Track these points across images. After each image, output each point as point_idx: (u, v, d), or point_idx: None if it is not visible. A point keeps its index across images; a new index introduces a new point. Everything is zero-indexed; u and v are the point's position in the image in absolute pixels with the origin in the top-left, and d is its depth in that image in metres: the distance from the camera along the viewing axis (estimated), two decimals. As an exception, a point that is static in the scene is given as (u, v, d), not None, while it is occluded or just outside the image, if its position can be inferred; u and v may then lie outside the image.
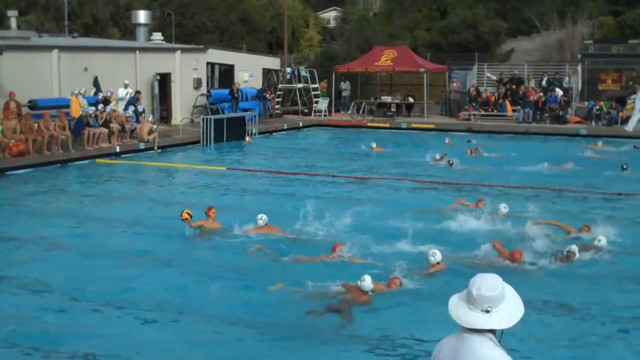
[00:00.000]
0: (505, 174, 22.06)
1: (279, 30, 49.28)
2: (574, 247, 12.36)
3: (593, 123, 35.08)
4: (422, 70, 38.22)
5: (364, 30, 52.62)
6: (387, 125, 36.08)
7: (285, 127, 35.28)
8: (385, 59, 38.88)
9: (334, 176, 21.90)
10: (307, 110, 39.65)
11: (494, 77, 40.10)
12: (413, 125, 35.56)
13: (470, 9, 49.61)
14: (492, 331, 4.12)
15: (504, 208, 15.56)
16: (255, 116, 32.15)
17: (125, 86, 29.28)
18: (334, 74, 39.80)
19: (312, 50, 52.79)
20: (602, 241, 13.03)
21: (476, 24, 47.59)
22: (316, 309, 10.12)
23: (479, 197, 16.88)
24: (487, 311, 4.07)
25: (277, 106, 39.18)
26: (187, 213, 13.84)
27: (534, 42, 50.10)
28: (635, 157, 25.72)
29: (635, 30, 45.21)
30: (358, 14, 59.21)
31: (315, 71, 40.93)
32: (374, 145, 27.75)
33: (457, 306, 4.17)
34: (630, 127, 33.13)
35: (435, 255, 11.72)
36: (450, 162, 23.41)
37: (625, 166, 22.61)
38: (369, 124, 36.38)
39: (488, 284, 4.11)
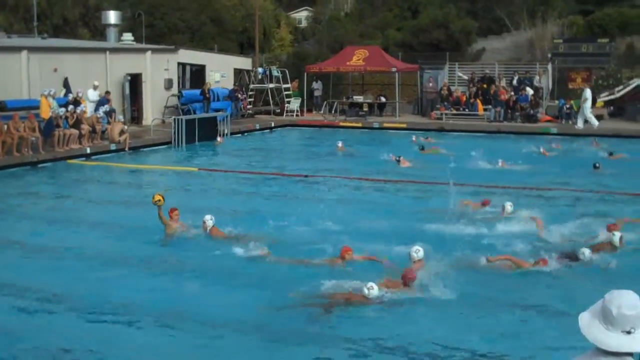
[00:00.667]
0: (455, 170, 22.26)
1: (251, 31, 49.14)
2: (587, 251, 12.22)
3: (563, 122, 35.32)
4: (393, 69, 38.30)
5: (335, 30, 52.70)
6: (360, 125, 36.11)
7: (257, 127, 35.19)
8: (357, 58, 38.93)
9: (306, 176, 21.88)
10: (279, 111, 39.60)
11: (465, 77, 40.27)
12: (385, 125, 35.61)
13: (442, 9, 49.82)
14: (630, 353, 3.70)
15: (510, 207, 15.52)
16: (227, 116, 32.03)
17: (95, 87, 29.01)
18: (305, 74, 39.76)
19: (283, 50, 52.70)
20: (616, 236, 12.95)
21: (447, 23, 47.80)
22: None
23: (485, 198, 16.73)
24: (629, 332, 3.65)
25: (249, 106, 39.07)
26: (159, 195, 13.77)
27: (505, 41, 50.37)
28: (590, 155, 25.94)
29: (604, 29, 45.61)
30: (329, 14, 59.26)
31: (287, 71, 40.88)
32: (340, 144, 27.76)
33: (591, 325, 3.74)
34: (582, 123, 33.90)
35: (419, 252, 11.58)
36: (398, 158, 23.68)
37: (597, 164, 22.76)
38: (341, 124, 36.38)
39: (629, 302, 3.67)
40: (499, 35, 51.21)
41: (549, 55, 40.27)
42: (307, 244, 13.16)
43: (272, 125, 36.31)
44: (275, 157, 27.04)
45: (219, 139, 29.97)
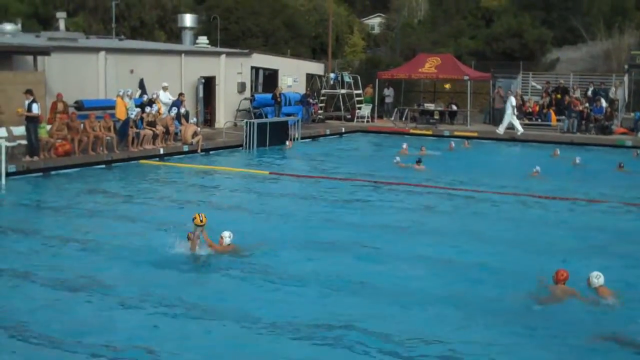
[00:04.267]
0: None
1: (324, 36, 49.41)
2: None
3: (639, 134, 34.65)
4: (465, 78, 38.04)
5: (408, 37, 52.59)
6: (430, 132, 35.97)
7: (328, 132, 35.34)
8: (429, 66, 38.78)
9: (375, 182, 21.93)
10: (349, 116, 39.68)
11: (539, 86, 39.81)
12: (456, 133, 35.38)
13: (516, 17, 49.27)
14: None
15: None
16: (297, 121, 32.27)
17: (164, 89, 29.32)
18: (377, 80, 39.78)
19: (356, 56, 52.85)
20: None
21: (521, 32, 47.28)
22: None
23: None
24: None
25: (319, 111, 39.26)
26: (200, 215, 12.94)
27: (580, 51, 49.60)
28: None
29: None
30: (402, 21, 59.15)
31: (358, 77, 40.99)
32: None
33: None
34: (501, 130, 34.93)
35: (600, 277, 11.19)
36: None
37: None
38: (412, 131, 36.28)
39: None
40: (574, 45, 50.43)
41: (626, 67, 39.57)
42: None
43: (343, 130, 36.41)
44: (344, 162, 27.07)
45: (288, 143, 30.18)
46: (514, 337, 9.76)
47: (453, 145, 30.83)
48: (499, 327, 10.10)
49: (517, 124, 34.95)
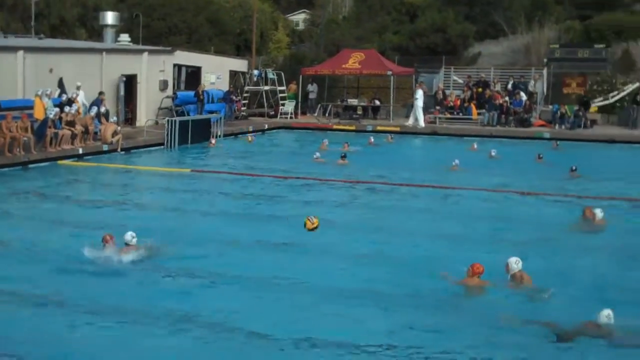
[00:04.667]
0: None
1: (248, 32, 49.19)
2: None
3: (557, 126, 35.41)
4: (389, 73, 38.37)
5: (332, 33, 52.69)
6: (353, 127, 36.20)
7: (251, 129, 35.29)
8: (353, 61, 39.03)
9: (297, 178, 21.99)
10: (273, 113, 39.68)
11: (461, 80, 40.37)
12: (379, 128, 35.68)
13: (440, 13, 49.77)
14: None
15: (599, 213, 15.70)
16: (220, 118, 32.15)
17: (77, 88, 28.78)
18: (301, 76, 39.84)
19: (280, 52, 52.76)
20: None
21: (445, 27, 47.77)
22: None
23: None
24: None
25: (243, 108, 39.17)
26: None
27: (501, 45, 50.30)
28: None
29: (601, 34, 45.58)
30: (327, 17, 59.24)
31: (282, 73, 40.99)
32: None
33: None
34: (413, 121, 36.05)
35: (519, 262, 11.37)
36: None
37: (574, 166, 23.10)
38: (335, 127, 36.47)
39: None
40: (495, 39, 51.14)
41: (545, 60, 40.38)
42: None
43: (266, 127, 36.42)
44: (266, 159, 27.09)
45: (212, 140, 30.06)
46: (430, 329, 9.87)
47: (372, 140, 31.09)
48: (414, 319, 10.23)
49: (420, 117, 35.78)
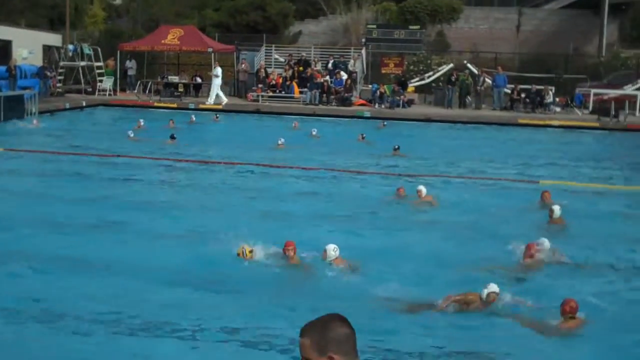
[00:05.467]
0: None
1: (62, 6, 47.18)
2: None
3: (376, 105, 36.09)
4: (209, 50, 37.83)
5: (150, 8, 51.43)
6: (175, 105, 35.44)
7: (68, 106, 33.86)
8: (172, 37, 38.16)
9: (118, 156, 21.21)
10: (90, 89, 38.27)
11: (282, 59, 40.39)
12: (201, 106, 35.14)
13: (259, -10, 49.62)
14: None
15: (421, 190, 15.87)
16: (34, 95, 30.61)
17: None
18: (119, 52, 38.60)
19: (96, 27, 50.95)
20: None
21: (264, 5, 47.68)
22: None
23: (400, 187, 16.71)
24: None
25: (58, 84, 37.52)
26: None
27: (321, 25, 50.87)
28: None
29: (416, 16, 46.85)
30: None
31: (99, 49, 39.51)
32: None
33: None
34: (215, 99, 35.77)
35: (337, 250, 11.24)
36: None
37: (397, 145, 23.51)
38: (156, 104, 35.60)
39: None
40: (316, 19, 51.63)
41: (363, 41, 41.02)
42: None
43: (84, 104, 35.06)
44: (82, 136, 26.01)
45: (27, 118, 28.57)
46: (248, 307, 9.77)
47: (194, 118, 30.60)
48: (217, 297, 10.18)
49: (221, 94, 35.77)
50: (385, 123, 31.10)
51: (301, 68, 38.43)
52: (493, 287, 9.55)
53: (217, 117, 31.93)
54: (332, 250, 11.20)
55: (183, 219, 14.21)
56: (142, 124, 27.85)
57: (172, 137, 24.48)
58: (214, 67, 36.08)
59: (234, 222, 13.76)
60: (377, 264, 11.51)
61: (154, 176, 18.98)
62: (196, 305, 9.69)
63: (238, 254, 11.21)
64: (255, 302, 9.92)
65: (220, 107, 34.82)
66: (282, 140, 24.29)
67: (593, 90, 36.14)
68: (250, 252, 11.23)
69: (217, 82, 35.68)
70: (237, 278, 10.76)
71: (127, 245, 12.28)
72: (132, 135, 25.01)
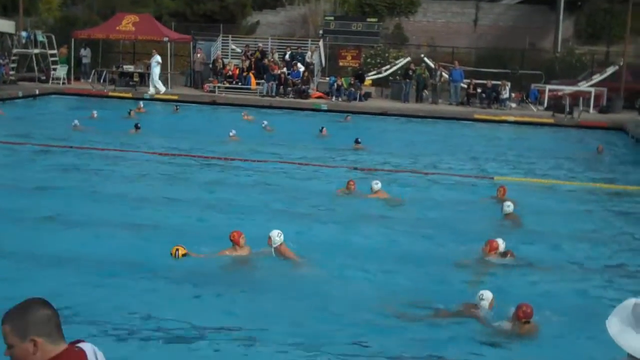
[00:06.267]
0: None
1: (15, -8, 46.42)
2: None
3: (334, 98, 36.02)
4: (165, 39, 37.45)
5: (107, -5, 50.77)
6: (130, 95, 35.03)
7: (20, 94, 33.32)
8: (127, 22, 37.70)
9: (71, 147, 20.92)
10: (44, 78, 37.66)
11: (239, 50, 40.10)
12: (156, 97, 34.78)
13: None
14: None
15: (376, 185, 15.91)
16: (-14, 82, 30.11)
17: None
18: (73, 40, 38.03)
19: (51, 14, 50.19)
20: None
21: (222, -6, 47.37)
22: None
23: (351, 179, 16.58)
24: None
25: (11, 72, 36.86)
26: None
27: (279, 15, 50.63)
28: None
29: (374, 8, 46.89)
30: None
31: (53, 36, 38.85)
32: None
33: (623, 333, 3.37)
34: (153, 90, 35.61)
35: (281, 235, 11.26)
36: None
37: (359, 139, 23.42)
38: (111, 94, 35.17)
39: None
40: (274, 9, 51.39)
41: (320, 32, 40.89)
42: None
43: (37, 93, 34.51)
44: (29, 125, 25.58)
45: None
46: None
47: (142, 106, 30.42)
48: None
49: (159, 85, 35.59)
50: (349, 117, 30.96)
51: (258, 54, 38.23)
52: (489, 295, 9.45)
53: (177, 109, 31.49)
54: (277, 235, 11.25)
55: (124, 209, 14.12)
56: (95, 115, 27.41)
57: (137, 127, 24.28)
58: (153, 56, 35.77)
59: (183, 215, 13.73)
60: (321, 257, 11.55)
61: (99, 167, 18.70)
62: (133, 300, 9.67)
63: (171, 254, 11.12)
64: (198, 294, 9.95)
65: (175, 97, 34.50)
66: (234, 132, 24.11)
67: (548, 87, 36.44)
68: (183, 255, 11.13)
69: (156, 71, 35.37)
70: (180, 271, 10.73)
71: (61, 236, 12.23)
72: (76, 123, 24.63)
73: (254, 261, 11.16)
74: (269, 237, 11.22)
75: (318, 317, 9.31)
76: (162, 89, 35.47)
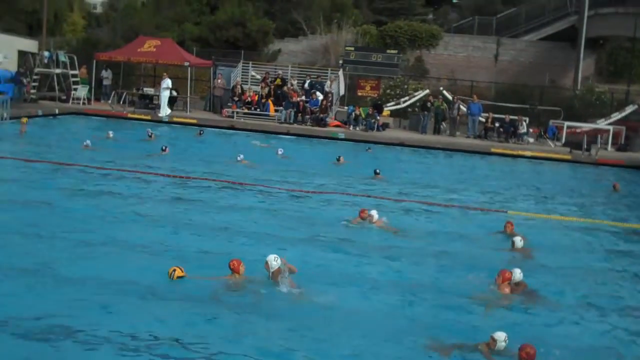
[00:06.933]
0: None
1: (41, 12, 46.95)
2: None
3: (352, 128, 36.06)
4: (186, 64, 37.70)
5: (131, 19, 51.29)
6: (149, 117, 35.24)
7: (40, 113, 33.54)
8: (148, 46, 37.98)
9: (70, 165, 20.91)
10: (65, 97, 37.95)
11: (258, 76, 40.30)
12: (175, 120, 34.96)
13: (240, 7, 49.66)
14: None
15: (375, 214, 15.85)
16: (7, 100, 30.31)
17: None
18: (95, 61, 38.34)
19: (75, 35, 50.73)
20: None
21: (244, 21, 47.71)
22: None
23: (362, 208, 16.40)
24: None
25: (32, 91, 37.19)
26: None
27: (301, 44, 50.93)
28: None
29: (396, 40, 47.11)
30: (126, 2, 57.67)
31: (75, 57, 39.19)
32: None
33: None
34: (162, 113, 35.75)
35: (277, 259, 11.12)
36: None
37: (377, 170, 23.36)
38: (130, 115, 35.39)
39: None
40: (295, 37, 51.69)
41: (340, 62, 41.05)
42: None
43: (56, 112, 34.75)
44: (54, 145, 25.69)
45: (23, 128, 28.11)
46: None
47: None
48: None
49: (164, 108, 35.86)
50: (370, 149, 30.89)
51: (279, 81, 38.43)
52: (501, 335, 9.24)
53: (201, 133, 31.47)
54: (273, 260, 11.11)
55: (133, 231, 14.10)
56: (111, 135, 27.53)
57: (163, 149, 24.43)
58: (163, 79, 35.96)
59: (181, 237, 13.71)
60: (323, 284, 11.49)
61: (107, 186, 18.68)
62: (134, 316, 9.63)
63: (168, 274, 11.08)
64: (196, 317, 9.88)
65: (194, 121, 34.66)
66: (242, 156, 24.12)
67: (566, 123, 36.37)
68: (179, 277, 11.08)
69: (165, 94, 35.55)
70: (181, 291, 10.67)
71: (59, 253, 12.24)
72: (88, 143, 24.68)
73: (249, 285, 11.03)
74: (266, 262, 11.10)
75: (314, 348, 9.23)
76: (165, 112, 35.61)
